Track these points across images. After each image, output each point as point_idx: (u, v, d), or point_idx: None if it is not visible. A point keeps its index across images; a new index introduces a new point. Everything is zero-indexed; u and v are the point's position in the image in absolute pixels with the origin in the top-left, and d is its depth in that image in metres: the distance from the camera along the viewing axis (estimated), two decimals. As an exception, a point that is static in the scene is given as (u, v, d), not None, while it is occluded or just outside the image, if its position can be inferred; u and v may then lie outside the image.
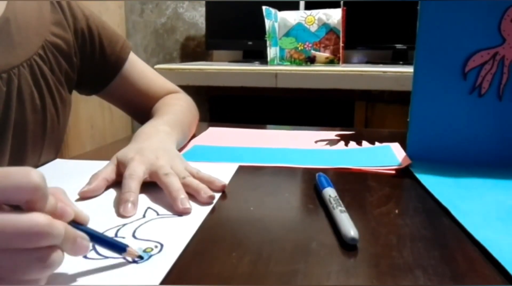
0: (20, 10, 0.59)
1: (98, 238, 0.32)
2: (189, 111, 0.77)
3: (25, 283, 0.27)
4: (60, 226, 0.28)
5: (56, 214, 0.29)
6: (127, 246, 0.33)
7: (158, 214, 0.43)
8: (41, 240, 0.27)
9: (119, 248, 0.33)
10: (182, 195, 0.44)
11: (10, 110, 0.56)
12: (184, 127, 0.69)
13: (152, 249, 0.35)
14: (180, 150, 0.67)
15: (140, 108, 0.78)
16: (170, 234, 0.38)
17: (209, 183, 0.48)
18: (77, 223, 0.31)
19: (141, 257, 0.33)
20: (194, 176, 0.49)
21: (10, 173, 0.27)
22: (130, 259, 0.33)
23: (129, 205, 0.42)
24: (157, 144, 0.55)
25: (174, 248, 0.35)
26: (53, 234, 0.27)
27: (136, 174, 0.47)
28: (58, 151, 0.68)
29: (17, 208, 0.27)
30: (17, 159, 0.58)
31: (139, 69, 0.78)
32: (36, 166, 0.61)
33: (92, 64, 0.71)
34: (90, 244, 0.31)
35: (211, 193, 0.46)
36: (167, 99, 0.78)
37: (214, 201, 0.46)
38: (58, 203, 0.30)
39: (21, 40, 0.58)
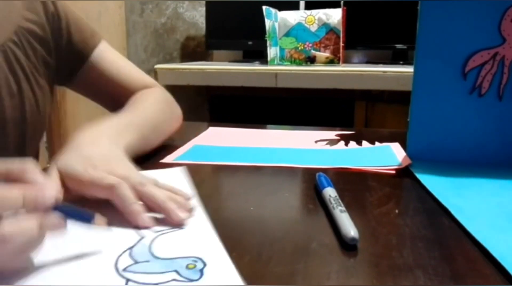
0: None
1: (67, 212, 0.34)
2: (161, 110, 0.70)
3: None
4: None
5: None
6: (94, 214, 0.34)
7: (157, 231, 0.40)
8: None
9: (87, 217, 0.35)
10: (172, 206, 0.41)
11: None
12: (147, 128, 0.62)
13: (195, 266, 0.34)
14: (180, 150, 0.67)
15: (115, 101, 0.73)
16: (191, 246, 0.37)
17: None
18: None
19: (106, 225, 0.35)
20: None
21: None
22: (99, 227, 0.35)
23: (145, 216, 0.40)
24: (104, 151, 0.48)
25: (218, 258, 0.35)
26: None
27: (124, 183, 0.41)
28: (40, 138, 0.66)
29: None
30: (0, 144, 0.57)
31: (110, 58, 0.72)
32: (22, 152, 0.60)
33: (60, 50, 0.67)
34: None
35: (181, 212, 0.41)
36: (139, 95, 0.71)
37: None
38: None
39: None
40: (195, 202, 0.45)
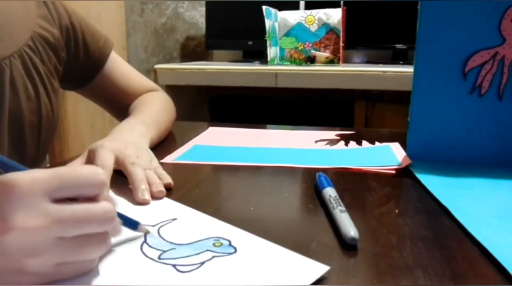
0: (5, 4, 0.59)
1: (120, 217, 0.35)
2: (166, 110, 0.78)
3: (86, 263, 0.31)
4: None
5: (108, 199, 0.33)
6: (139, 223, 0.36)
7: (154, 225, 0.40)
8: (109, 225, 0.31)
9: (133, 224, 0.36)
10: (143, 185, 0.46)
11: (4, 99, 0.57)
12: (159, 126, 0.70)
13: (221, 244, 0.35)
14: (180, 150, 0.67)
15: (120, 105, 0.80)
16: (201, 231, 0.37)
17: (160, 179, 0.50)
18: None
19: (148, 232, 0.37)
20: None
21: (81, 172, 0.31)
22: (142, 233, 0.37)
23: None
24: (129, 139, 0.57)
25: (237, 234, 0.36)
26: (115, 218, 0.32)
27: (107, 165, 0.48)
28: (52, 141, 0.69)
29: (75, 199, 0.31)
30: (17, 147, 0.59)
31: (121, 66, 0.79)
32: (36, 155, 0.62)
33: (77, 59, 0.72)
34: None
35: (162, 189, 0.47)
36: (144, 98, 0.79)
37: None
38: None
39: (9, 32, 0.58)
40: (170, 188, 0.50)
